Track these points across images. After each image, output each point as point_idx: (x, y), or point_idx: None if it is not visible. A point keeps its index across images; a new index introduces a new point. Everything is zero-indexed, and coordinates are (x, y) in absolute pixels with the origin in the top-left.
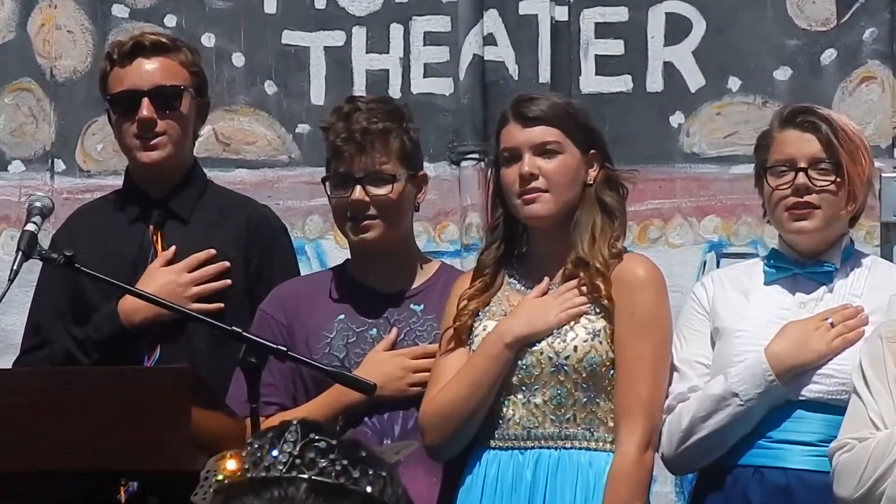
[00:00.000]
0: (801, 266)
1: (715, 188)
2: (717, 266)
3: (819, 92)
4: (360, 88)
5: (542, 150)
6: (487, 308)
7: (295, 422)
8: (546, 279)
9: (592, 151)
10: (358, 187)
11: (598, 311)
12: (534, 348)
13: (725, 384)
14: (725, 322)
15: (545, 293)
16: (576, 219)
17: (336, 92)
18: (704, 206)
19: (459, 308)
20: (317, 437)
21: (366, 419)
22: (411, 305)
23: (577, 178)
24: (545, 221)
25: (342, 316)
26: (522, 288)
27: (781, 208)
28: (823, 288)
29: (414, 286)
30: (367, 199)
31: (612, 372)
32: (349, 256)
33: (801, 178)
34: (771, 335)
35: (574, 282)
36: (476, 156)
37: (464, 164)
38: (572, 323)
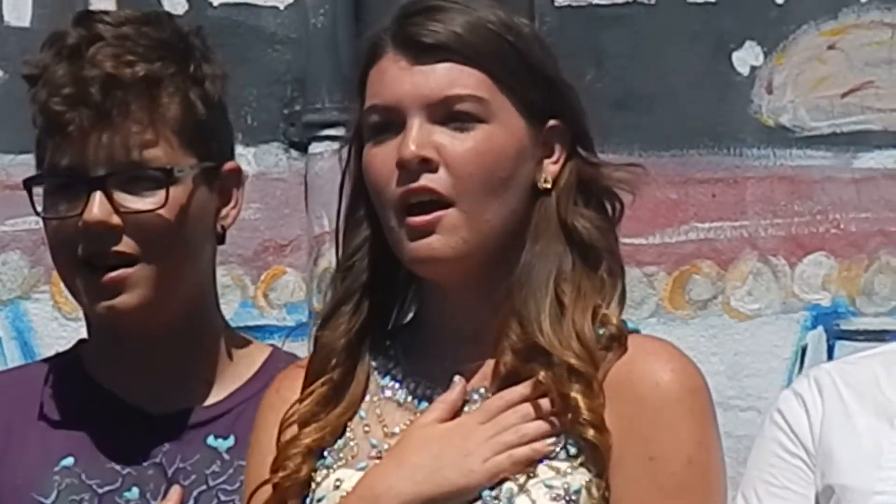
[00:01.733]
0: None
1: (826, 198)
2: (830, 356)
3: None
4: None
5: (448, 114)
6: (342, 443)
7: None
8: (458, 381)
9: (553, 123)
10: (98, 196)
11: (571, 451)
12: None
13: None
14: (847, 476)
15: (458, 412)
16: (523, 264)
17: (58, 3)
18: (803, 236)
19: (282, 442)
20: None
21: None
22: (209, 439)
23: (519, 175)
24: (449, 269)
25: (70, 460)
26: (409, 399)
27: None
28: None
29: (213, 401)
30: (115, 220)
31: None
32: (84, 336)
33: None
34: None
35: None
36: (340, 132)
37: (315, 147)
38: (520, 478)
